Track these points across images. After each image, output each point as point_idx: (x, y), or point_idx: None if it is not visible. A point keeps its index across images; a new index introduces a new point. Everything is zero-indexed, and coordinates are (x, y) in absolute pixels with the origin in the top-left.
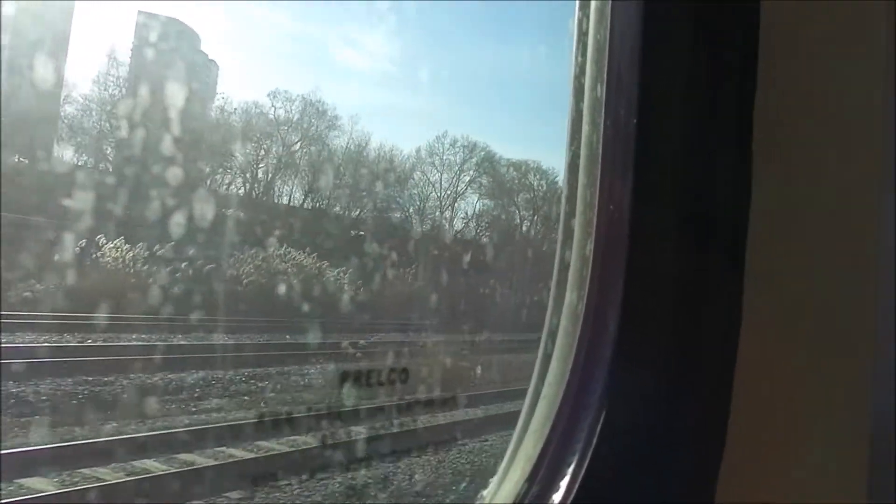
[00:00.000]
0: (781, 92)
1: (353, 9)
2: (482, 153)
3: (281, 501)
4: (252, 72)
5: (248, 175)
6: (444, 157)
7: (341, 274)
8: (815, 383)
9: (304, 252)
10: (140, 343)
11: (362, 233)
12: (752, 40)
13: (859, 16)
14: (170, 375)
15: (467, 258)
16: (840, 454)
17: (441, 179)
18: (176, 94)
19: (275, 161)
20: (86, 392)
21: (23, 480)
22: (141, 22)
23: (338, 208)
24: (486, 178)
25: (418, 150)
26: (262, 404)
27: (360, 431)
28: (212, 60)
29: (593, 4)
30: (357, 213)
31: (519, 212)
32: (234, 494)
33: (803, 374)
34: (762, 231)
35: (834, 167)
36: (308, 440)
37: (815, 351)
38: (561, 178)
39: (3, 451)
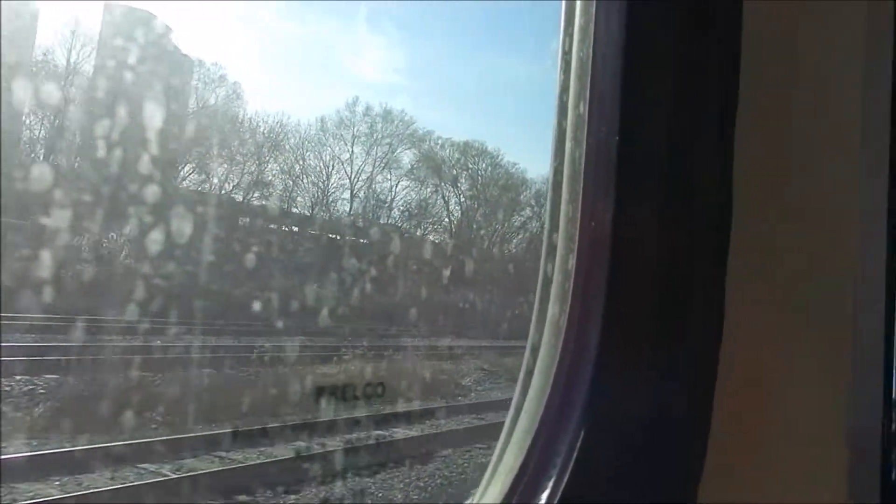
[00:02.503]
0: (763, 104)
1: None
2: (400, 124)
3: None
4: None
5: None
6: (358, 129)
7: None
8: (796, 384)
9: None
10: None
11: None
12: (734, 56)
13: (839, 16)
14: None
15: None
16: (821, 454)
17: (353, 155)
18: (139, 84)
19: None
20: None
21: None
22: (107, 10)
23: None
24: (411, 153)
25: (322, 120)
26: None
27: None
28: (185, 55)
29: (577, 24)
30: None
31: (447, 195)
32: None
33: (785, 375)
34: (745, 243)
35: (815, 176)
36: None
37: (796, 352)
38: (506, 161)
39: None
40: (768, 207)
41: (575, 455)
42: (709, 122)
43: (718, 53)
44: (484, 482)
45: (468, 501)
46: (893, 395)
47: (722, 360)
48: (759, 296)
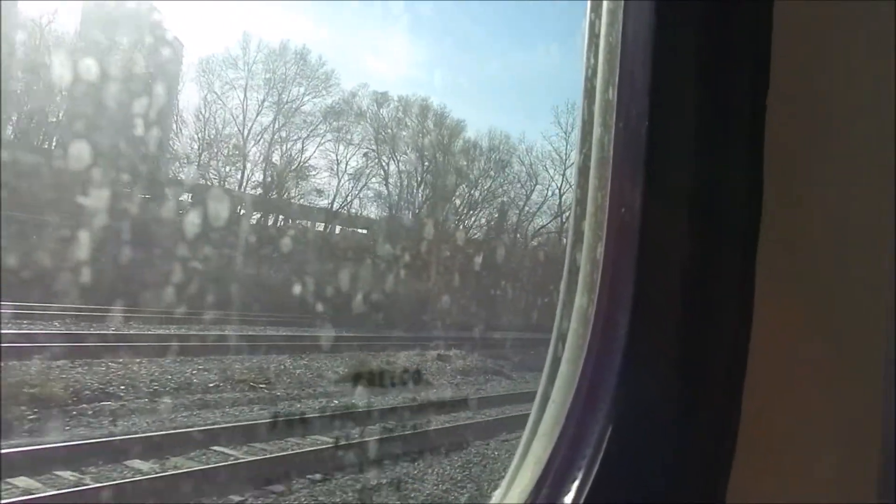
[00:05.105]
0: (793, 92)
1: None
2: (297, 60)
3: None
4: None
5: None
6: (253, 66)
7: None
8: (827, 383)
9: None
10: None
11: None
12: (764, 41)
13: (872, 16)
14: None
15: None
16: (851, 455)
17: (245, 102)
18: (118, 59)
19: None
20: None
21: None
22: None
23: None
24: (320, 102)
25: (206, 62)
26: None
27: None
28: (174, 37)
29: (605, 6)
30: None
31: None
32: None
33: (814, 375)
34: (774, 233)
35: (847, 169)
36: None
37: (826, 351)
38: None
39: None
40: (799, 200)
41: (604, 447)
42: (740, 108)
43: (751, 38)
44: (510, 473)
45: (496, 492)
46: None
47: (751, 355)
48: (789, 289)
